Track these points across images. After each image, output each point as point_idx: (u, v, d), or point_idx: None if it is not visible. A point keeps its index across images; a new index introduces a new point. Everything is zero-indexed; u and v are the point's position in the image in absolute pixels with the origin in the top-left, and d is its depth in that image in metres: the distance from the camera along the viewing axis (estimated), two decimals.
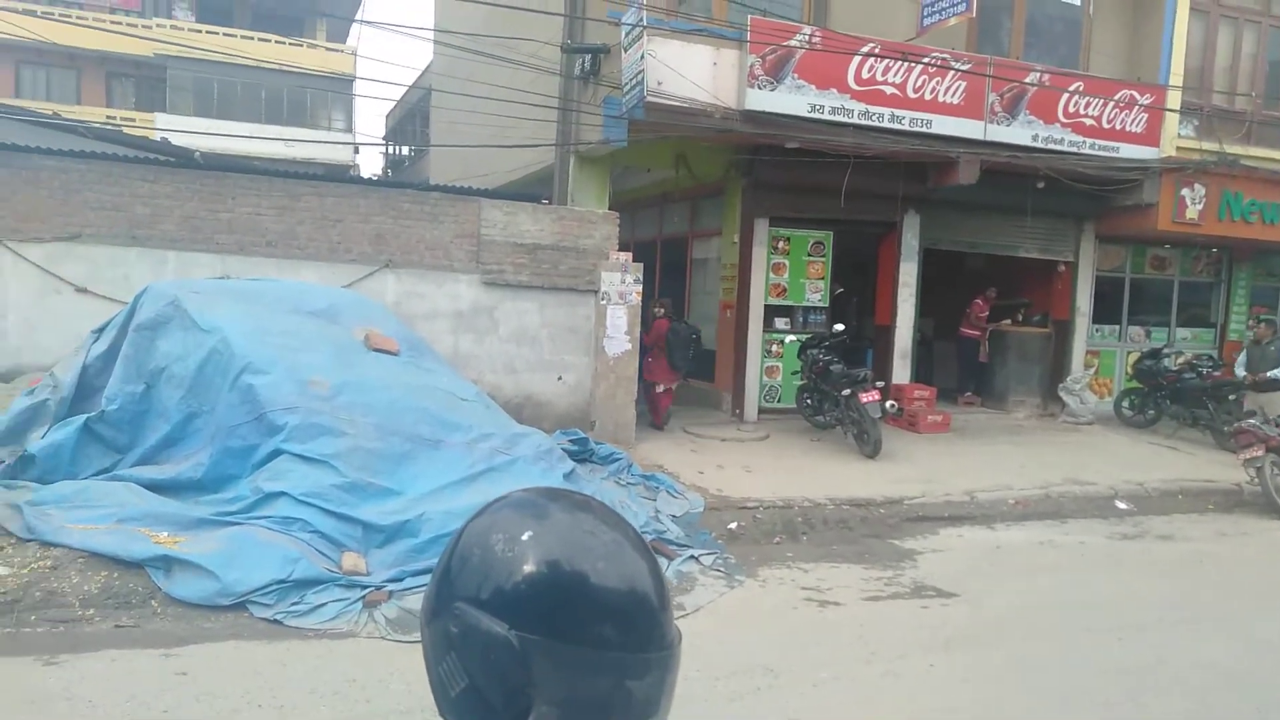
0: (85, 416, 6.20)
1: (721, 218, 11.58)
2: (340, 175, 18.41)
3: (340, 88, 28.22)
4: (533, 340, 9.40)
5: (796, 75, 9.34)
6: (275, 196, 8.67)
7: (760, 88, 9.23)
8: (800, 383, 10.49)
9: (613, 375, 9.31)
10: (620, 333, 9.34)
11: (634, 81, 8.60)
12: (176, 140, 13.29)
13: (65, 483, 5.84)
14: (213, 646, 4.41)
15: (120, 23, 25.79)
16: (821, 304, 11.54)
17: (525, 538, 0.98)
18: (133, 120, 23.99)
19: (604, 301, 9.27)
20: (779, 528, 7.04)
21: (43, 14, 22.75)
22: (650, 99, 8.59)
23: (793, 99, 9.36)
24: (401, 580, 5.19)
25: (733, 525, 6.94)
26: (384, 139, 31.01)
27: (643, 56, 8.44)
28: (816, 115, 9.46)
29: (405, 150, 30.71)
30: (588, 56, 9.59)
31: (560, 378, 9.47)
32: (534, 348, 9.42)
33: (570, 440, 8.10)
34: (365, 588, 5.08)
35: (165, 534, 5.27)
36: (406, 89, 25.45)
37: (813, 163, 10.03)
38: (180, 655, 4.31)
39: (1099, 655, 4.87)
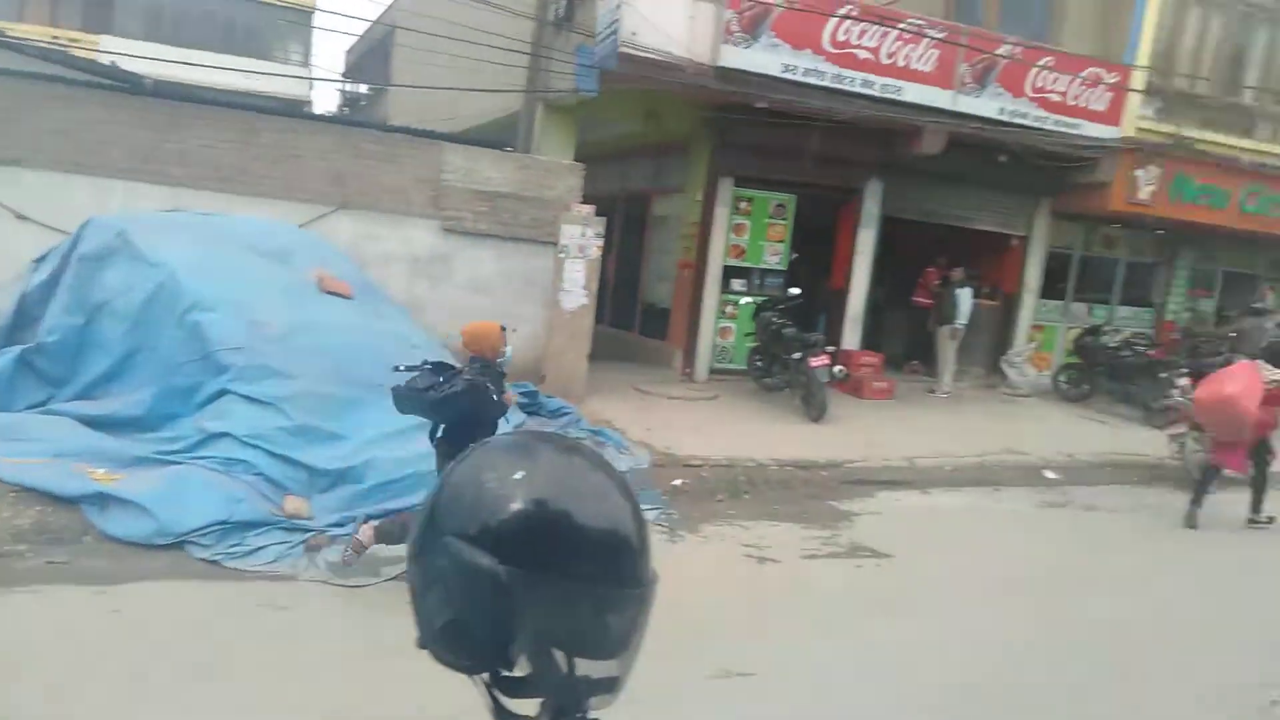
0: (21, 348, 6.06)
1: (686, 175, 11.50)
2: (295, 110, 17.89)
3: (299, 19, 27.29)
4: (488, 290, 9.33)
5: (773, 33, 9.24)
6: (231, 129, 8.44)
7: (736, 44, 9.12)
8: (752, 344, 10.58)
9: (567, 329, 9.29)
10: (577, 286, 9.29)
11: (609, 31, 8.46)
12: (126, 65, 12.76)
13: None
14: (148, 585, 4.39)
15: None
16: (779, 267, 11.58)
17: (517, 477, 1.03)
18: (78, 41, 22.95)
19: (562, 255, 9.21)
20: (722, 486, 7.16)
21: None
22: (624, 50, 8.45)
23: (767, 57, 9.27)
24: (345, 525, 5.20)
25: (677, 482, 7.04)
26: (343, 75, 30.07)
27: (619, 5, 8.29)
28: (789, 76, 9.38)
29: (363, 89, 29.85)
30: (563, 1, 9.38)
31: (513, 329, 9.42)
32: (489, 297, 9.34)
33: (520, 393, 8.09)
34: (308, 531, 5.09)
35: (102, 470, 5.20)
36: (370, 24, 24.65)
37: (781, 124, 9.96)
38: (113, 593, 4.29)
39: (1017, 615, 5.09)
